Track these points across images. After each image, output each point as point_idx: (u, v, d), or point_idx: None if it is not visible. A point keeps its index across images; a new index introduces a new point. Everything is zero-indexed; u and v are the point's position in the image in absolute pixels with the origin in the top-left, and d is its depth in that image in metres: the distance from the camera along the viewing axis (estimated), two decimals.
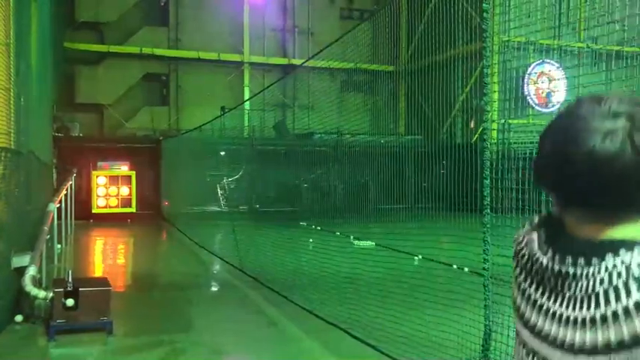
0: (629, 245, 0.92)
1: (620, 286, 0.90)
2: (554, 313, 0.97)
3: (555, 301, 0.97)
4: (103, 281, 6.22)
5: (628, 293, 0.89)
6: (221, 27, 21.31)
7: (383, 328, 5.04)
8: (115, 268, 10.40)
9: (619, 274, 0.91)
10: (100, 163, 17.29)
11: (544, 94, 18.94)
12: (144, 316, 6.70)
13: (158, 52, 20.72)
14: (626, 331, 0.88)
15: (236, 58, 21.71)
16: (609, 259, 0.92)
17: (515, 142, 5.15)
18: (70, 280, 5.58)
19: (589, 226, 0.97)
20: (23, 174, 7.26)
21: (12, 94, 6.35)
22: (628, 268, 0.90)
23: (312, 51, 18.78)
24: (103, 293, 5.70)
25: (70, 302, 5.47)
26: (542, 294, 0.99)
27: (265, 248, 8.78)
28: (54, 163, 14.78)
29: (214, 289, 8.74)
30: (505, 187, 4.05)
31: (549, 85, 18.30)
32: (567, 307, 0.95)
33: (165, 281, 8.88)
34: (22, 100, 6.97)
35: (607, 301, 0.90)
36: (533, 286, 1.01)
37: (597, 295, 0.92)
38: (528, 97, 18.44)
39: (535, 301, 1.00)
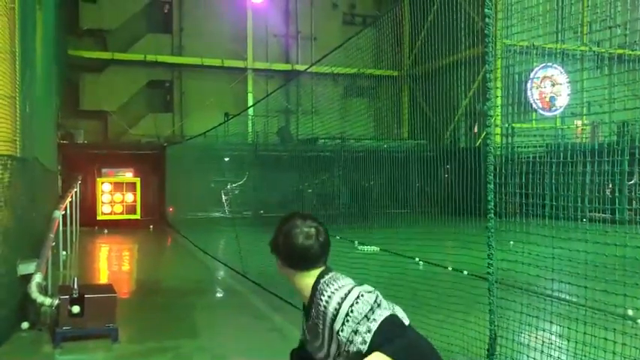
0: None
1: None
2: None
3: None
4: (108, 288, 6.23)
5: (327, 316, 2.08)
6: (224, 33, 21.40)
7: None
8: (119, 275, 10.42)
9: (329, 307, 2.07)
10: (104, 170, 17.35)
11: (547, 98, 18.93)
12: (149, 322, 6.71)
13: (162, 58, 20.81)
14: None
15: (239, 64, 21.79)
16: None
17: (519, 146, 5.15)
18: (75, 287, 5.60)
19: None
20: (29, 181, 7.30)
21: (17, 101, 6.39)
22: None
23: (315, 56, 18.86)
24: (108, 300, 5.71)
25: (75, 309, 5.49)
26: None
27: (269, 254, 8.78)
28: (59, 170, 14.84)
29: (218, 294, 8.75)
30: (509, 191, 4.05)
31: (552, 89, 18.29)
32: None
33: (169, 287, 8.89)
34: (27, 107, 7.02)
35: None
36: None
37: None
38: (532, 101, 18.44)
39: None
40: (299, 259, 2.05)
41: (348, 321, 1.95)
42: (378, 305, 1.99)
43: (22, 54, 6.61)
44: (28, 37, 7.29)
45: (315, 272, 2.10)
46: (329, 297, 2.03)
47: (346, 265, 6.75)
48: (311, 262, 2.06)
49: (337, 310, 1.98)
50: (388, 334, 1.91)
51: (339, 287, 2.05)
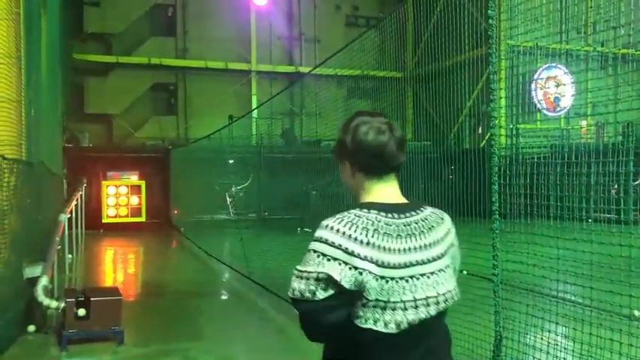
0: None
1: (435, 223, 1.68)
2: (419, 246, 1.60)
3: (414, 239, 1.60)
4: (113, 291, 6.25)
5: (439, 225, 1.69)
6: (228, 36, 21.44)
7: None
8: (125, 277, 10.45)
9: (432, 217, 1.69)
10: (109, 173, 17.40)
11: (552, 99, 18.88)
12: (154, 324, 6.72)
13: (166, 62, 20.87)
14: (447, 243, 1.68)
15: (243, 66, 21.82)
16: (425, 210, 1.70)
17: (523, 147, 5.14)
18: (81, 289, 5.62)
19: (395, 193, 1.71)
20: (34, 185, 7.33)
21: (23, 105, 6.43)
22: (433, 213, 1.71)
23: (318, 58, 18.88)
24: (114, 303, 5.73)
25: (81, 312, 5.51)
26: (396, 241, 1.57)
27: (273, 255, 8.80)
28: (64, 173, 14.89)
29: (223, 297, 8.76)
30: (513, 192, 4.05)
31: (557, 90, 18.24)
32: (424, 238, 1.62)
33: (174, 290, 8.90)
34: (32, 111, 7.05)
35: (437, 231, 1.66)
36: (388, 240, 1.56)
37: (431, 229, 1.65)
38: (536, 102, 18.39)
39: (392, 248, 1.55)
40: (373, 157, 1.68)
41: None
42: None
43: (27, 58, 6.65)
44: (33, 41, 7.33)
45: (392, 180, 1.73)
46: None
47: None
48: (387, 162, 1.69)
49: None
50: None
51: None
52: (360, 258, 1.52)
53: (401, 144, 1.71)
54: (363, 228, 1.56)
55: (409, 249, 1.58)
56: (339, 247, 1.53)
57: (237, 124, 14.35)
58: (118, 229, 16.27)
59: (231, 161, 15.36)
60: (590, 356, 3.53)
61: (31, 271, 6.07)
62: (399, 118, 18.81)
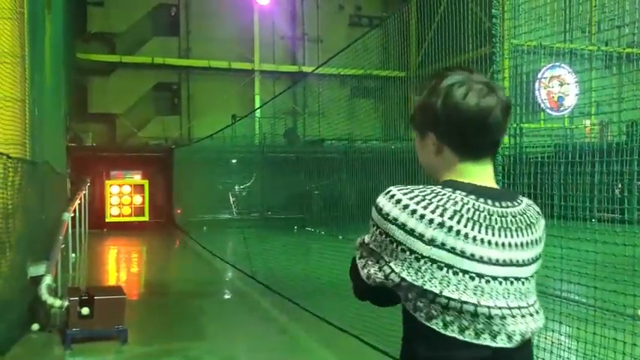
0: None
1: (534, 219, 1.31)
2: (515, 244, 1.25)
3: (509, 234, 1.25)
4: (117, 290, 6.27)
5: (538, 223, 1.33)
6: (231, 36, 21.45)
7: (397, 335, 5.02)
8: (128, 277, 10.46)
9: (530, 212, 1.32)
10: (113, 173, 17.43)
11: (556, 98, 18.84)
12: (157, 323, 6.73)
13: (169, 61, 20.89)
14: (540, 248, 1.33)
15: (246, 66, 21.83)
16: (522, 202, 1.32)
17: (527, 147, 5.13)
18: (85, 288, 5.63)
19: (488, 175, 1.30)
20: (38, 184, 7.34)
21: (27, 105, 6.44)
22: (530, 207, 1.33)
23: (321, 58, 18.87)
24: (117, 301, 5.74)
25: (85, 311, 5.52)
26: (486, 232, 1.21)
27: (276, 255, 8.80)
28: (68, 172, 14.93)
29: (226, 296, 8.76)
30: (517, 191, 4.03)
31: (561, 89, 18.20)
32: (521, 235, 1.26)
33: (177, 289, 8.91)
34: (36, 110, 7.07)
35: (535, 230, 1.30)
36: (474, 228, 1.21)
37: (531, 226, 1.29)
38: (540, 101, 18.36)
39: (479, 239, 1.20)
40: (474, 128, 1.23)
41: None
42: None
43: (31, 58, 6.66)
44: (37, 40, 7.35)
45: (489, 163, 1.31)
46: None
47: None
48: (490, 135, 1.26)
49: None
50: None
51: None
52: (426, 242, 1.17)
53: (507, 111, 1.26)
54: (439, 207, 1.19)
55: (503, 244, 1.22)
56: (398, 225, 1.20)
57: (240, 124, 14.36)
58: (121, 229, 16.30)
59: (234, 161, 15.38)
60: (594, 356, 3.52)
61: (35, 270, 6.08)
62: (402, 117, 18.82)
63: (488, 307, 1.18)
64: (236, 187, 14.74)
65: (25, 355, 5.41)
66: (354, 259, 1.35)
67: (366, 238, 1.29)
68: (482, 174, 1.29)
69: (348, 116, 10.57)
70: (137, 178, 17.55)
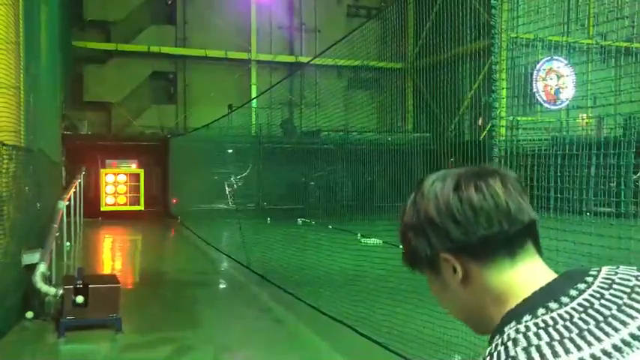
0: None
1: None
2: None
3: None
4: (112, 278, 6.26)
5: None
6: (228, 25, 21.33)
7: (391, 326, 5.04)
8: (123, 266, 10.45)
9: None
10: (108, 161, 17.37)
11: (552, 91, 18.85)
12: (152, 313, 6.73)
13: (165, 50, 20.77)
14: None
15: (243, 56, 21.73)
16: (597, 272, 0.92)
17: (523, 139, 5.13)
18: (79, 277, 5.62)
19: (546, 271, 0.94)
20: (33, 172, 7.31)
21: (22, 92, 6.40)
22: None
23: (319, 48, 18.79)
24: (112, 290, 5.74)
25: (79, 299, 5.51)
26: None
27: (272, 246, 8.81)
28: (63, 161, 14.87)
29: (222, 286, 8.77)
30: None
31: (558, 82, 18.21)
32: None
33: (173, 279, 8.92)
34: (31, 98, 7.02)
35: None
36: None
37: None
38: (537, 94, 18.37)
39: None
40: (489, 216, 0.90)
41: None
42: None
43: (26, 45, 6.61)
44: (32, 27, 7.29)
45: (533, 252, 0.95)
46: None
47: (349, 257, 6.78)
48: (515, 232, 0.91)
49: None
50: None
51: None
52: None
53: (523, 197, 0.94)
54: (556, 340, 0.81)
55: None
56: None
57: (236, 114, 14.32)
58: (116, 218, 16.27)
59: (230, 151, 15.36)
60: None
61: (29, 258, 6.07)
62: (399, 109, 18.80)
63: None
64: (232, 178, 14.72)
65: (18, 343, 5.41)
66: None
67: None
68: (536, 270, 0.92)
69: (345, 107, 10.55)
70: (133, 167, 17.50)
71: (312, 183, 16.02)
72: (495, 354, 0.82)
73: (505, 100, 4.34)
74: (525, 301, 0.88)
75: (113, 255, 11.94)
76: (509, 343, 0.82)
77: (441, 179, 0.95)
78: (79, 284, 5.57)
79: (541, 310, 0.85)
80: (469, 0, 10.36)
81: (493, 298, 0.92)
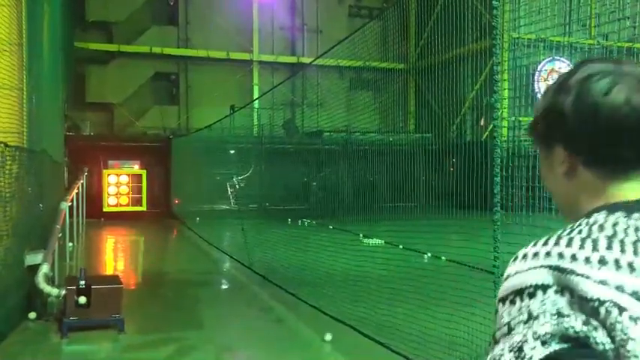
0: None
1: None
2: None
3: None
4: (114, 279, 6.27)
5: None
6: (230, 26, 21.36)
7: (393, 326, 5.05)
8: (125, 266, 10.47)
9: None
10: (110, 162, 17.40)
11: None
12: (154, 313, 6.74)
13: (167, 51, 20.80)
14: None
15: (245, 56, 21.76)
16: None
17: (525, 140, 5.13)
18: (82, 277, 5.63)
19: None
20: (36, 172, 7.33)
21: (24, 93, 6.41)
22: None
23: (320, 49, 18.80)
24: (114, 291, 5.75)
25: (82, 300, 5.52)
26: None
27: (274, 246, 8.81)
28: (65, 161, 14.90)
29: (223, 286, 8.78)
30: (515, 184, 4.04)
31: None
32: None
33: (175, 279, 8.93)
34: (34, 99, 7.04)
35: None
36: None
37: None
38: (539, 95, 18.33)
39: None
40: (624, 134, 0.86)
41: None
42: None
43: (28, 46, 6.62)
44: (35, 29, 7.30)
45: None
46: None
47: (351, 257, 6.79)
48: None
49: None
50: None
51: None
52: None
53: None
54: (608, 240, 0.80)
55: None
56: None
57: (238, 115, 14.34)
58: (118, 218, 16.29)
59: (232, 151, 15.38)
60: None
61: (32, 259, 6.08)
62: (400, 109, 18.81)
63: None
64: (234, 178, 14.74)
65: (21, 344, 5.42)
66: None
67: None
68: (638, 189, 0.89)
69: (347, 107, 10.55)
70: (135, 167, 17.54)
71: (314, 183, 16.04)
72: (577, 230, 0.84)
73: (507, 100, 4.34)
74: (624, 202, 0.87)
75: (115, 255, 11.96)
76: (595, 227, 0.83)
77: (597, 77, 0.90)
78: (82, 285, 5.59)
79: (636, 215, 0.84)
80: (470, 1, 10.37)
81: (590, 196, 0.92)
